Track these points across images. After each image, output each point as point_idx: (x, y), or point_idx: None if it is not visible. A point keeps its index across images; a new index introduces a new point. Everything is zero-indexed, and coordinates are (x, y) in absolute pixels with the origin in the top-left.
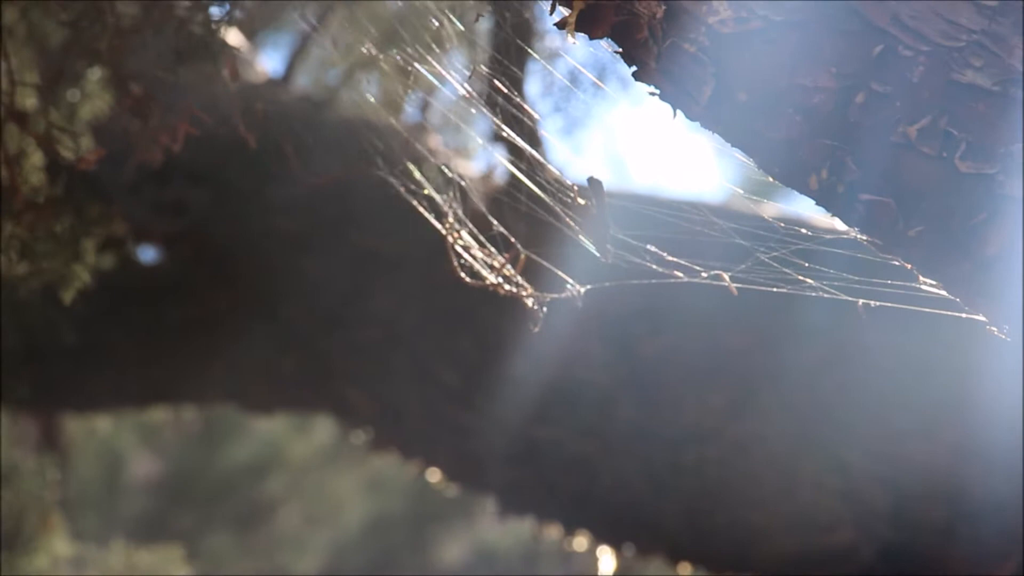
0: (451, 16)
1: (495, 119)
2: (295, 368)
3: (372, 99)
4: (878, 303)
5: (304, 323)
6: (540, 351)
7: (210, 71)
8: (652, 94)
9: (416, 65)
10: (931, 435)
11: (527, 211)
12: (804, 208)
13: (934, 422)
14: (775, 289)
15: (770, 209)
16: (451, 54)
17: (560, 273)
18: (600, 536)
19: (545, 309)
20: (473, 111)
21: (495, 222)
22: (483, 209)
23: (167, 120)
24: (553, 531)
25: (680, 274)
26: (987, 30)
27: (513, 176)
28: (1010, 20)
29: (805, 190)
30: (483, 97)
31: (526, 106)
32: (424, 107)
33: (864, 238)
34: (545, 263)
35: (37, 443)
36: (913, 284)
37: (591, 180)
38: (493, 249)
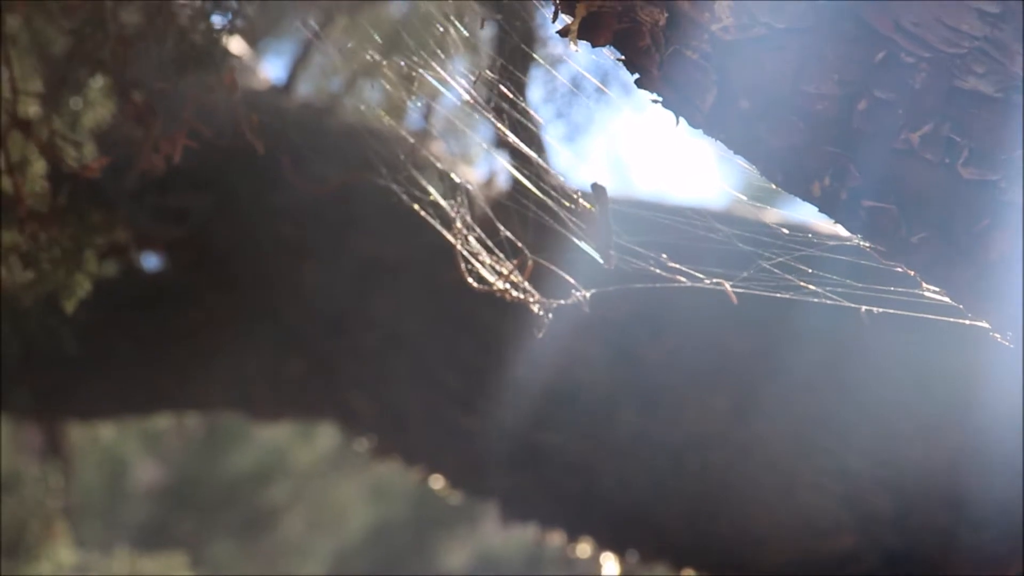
0: (454, 21)
1: (499, 125)
2: (298, 374)
3: (374, 106)
4: (880, 309)
5: (306, 329)
6: (542, 355)
7: (212, 79)
8: (655, 101)
9: (420, 71)
10: (933, 440)
11: (531, 216)
12: (807, 214)
13: (936, 427)
14: (778, 295)
15: (773, 215)
16: (454, 60)
17: (567, 277)
18: (603, 541)
19: (550, 315)
20: (476, 117)
21: (502, 228)
22: (490, 215)
23: (169, 128)
24: (556, 537)
25: (683, 279)
26: (989, 37)
27: (516, 182)
28: (1011, 27)
29: (808, 196)
30: (487, 103)
31: (530, 111)
32: (427, 113)
33: (867, 244)
34: (550, 267)
35: (40, 450)
36: (916, 290)
37: (595, 186)
38: (500, 255)
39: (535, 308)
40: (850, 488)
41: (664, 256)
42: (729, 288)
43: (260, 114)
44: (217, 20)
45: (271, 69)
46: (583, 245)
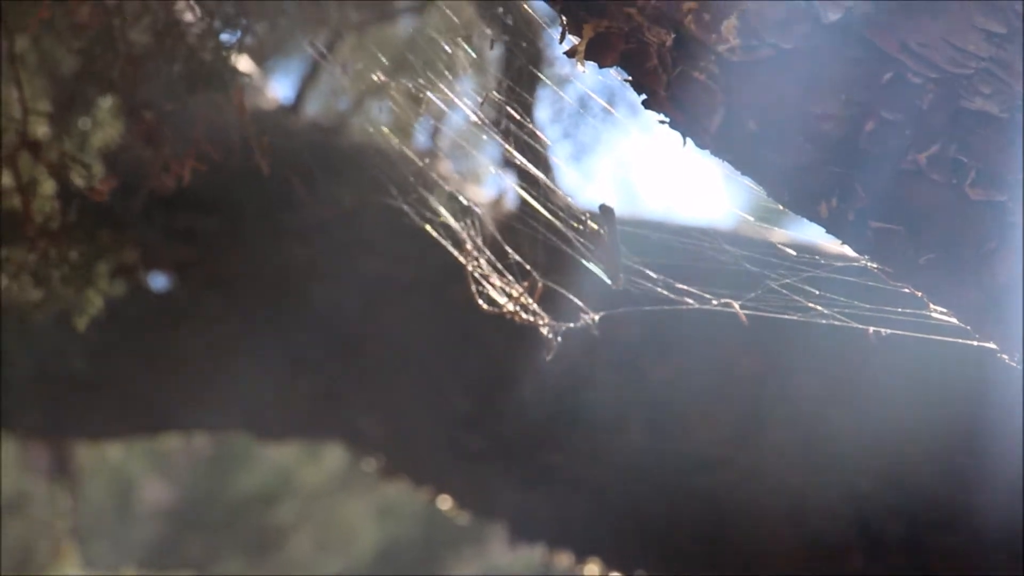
0: (462, 43)
1: (506, 145)
2: (306, 394)
3: (383, 126)
4: (888, 330)
5: (315, 349)
6: (550, 376)
7: (221, 98)
8: (662, 122)
9: (428, 93)
10: (941, 461)
11: (540, 237)
12: (814, 235)
13: (944, 449)
14: (785, 316)
15: (780, 236)
16: (461, 80)
17: (576, 300)
18: (611, 561)
19: (560, 338)
20: (484, 137)
21: (511, 251)
22: (499, 237)
23: (178, 148)
24: (564, 557)
25: (691, 300)
26: (995, 57)
27: (524, 202)
28: (1017, 47)
29: (815, 217)
30: (494, 123)
31: (538, 131)
32: (434, 133)
33: (874, 265)
34: (559, 289)
35: (48, 470)
36: (923, 311)
37: (603, 208)
38: (510, 276)
39: (544, 331)
40: (858, 508)
41: (671, 277)
42: (739, 309)
43: (268, 134)
44: (226, 38)
45: (279, 89)
46: (591, 266)
